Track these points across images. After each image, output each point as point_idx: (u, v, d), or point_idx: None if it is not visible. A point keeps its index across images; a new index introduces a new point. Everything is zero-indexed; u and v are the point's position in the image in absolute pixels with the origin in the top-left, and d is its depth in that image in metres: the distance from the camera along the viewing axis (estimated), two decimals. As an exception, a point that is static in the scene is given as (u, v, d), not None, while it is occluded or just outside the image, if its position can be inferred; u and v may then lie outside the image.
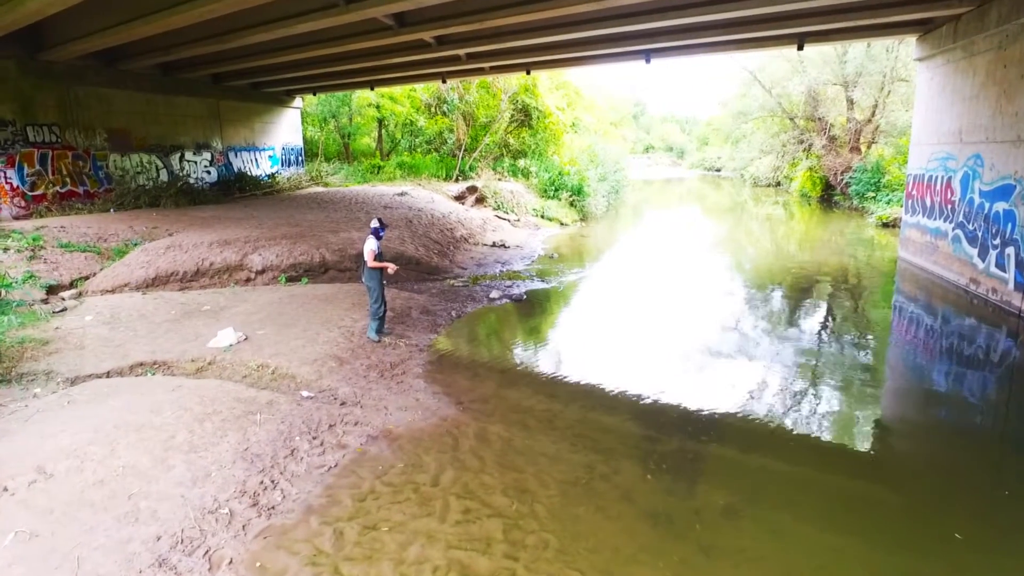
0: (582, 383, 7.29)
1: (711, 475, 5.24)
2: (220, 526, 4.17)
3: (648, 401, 6.78)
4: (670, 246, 19.07)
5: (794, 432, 6.14)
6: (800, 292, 12.24)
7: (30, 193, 15.38)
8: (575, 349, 8.79)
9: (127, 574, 3.62)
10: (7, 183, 14.87)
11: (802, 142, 31.60)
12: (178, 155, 20.01)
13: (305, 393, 6.42)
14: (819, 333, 9.64)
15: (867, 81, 25.92)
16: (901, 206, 19.73)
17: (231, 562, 3.88)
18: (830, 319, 10.44)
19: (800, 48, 14.45)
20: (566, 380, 7.40)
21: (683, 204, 35.80)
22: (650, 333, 9.41)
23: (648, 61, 16.12)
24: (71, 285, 10.47)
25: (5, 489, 4.12)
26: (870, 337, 9.43)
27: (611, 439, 5.80)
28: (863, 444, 6.04)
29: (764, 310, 11.02)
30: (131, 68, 17.00)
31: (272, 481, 4.76)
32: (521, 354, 8.56)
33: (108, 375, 6.52)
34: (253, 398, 5.94)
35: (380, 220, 8.17)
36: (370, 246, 7.98)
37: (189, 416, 5.32)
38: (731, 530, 4.51)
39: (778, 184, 39.17)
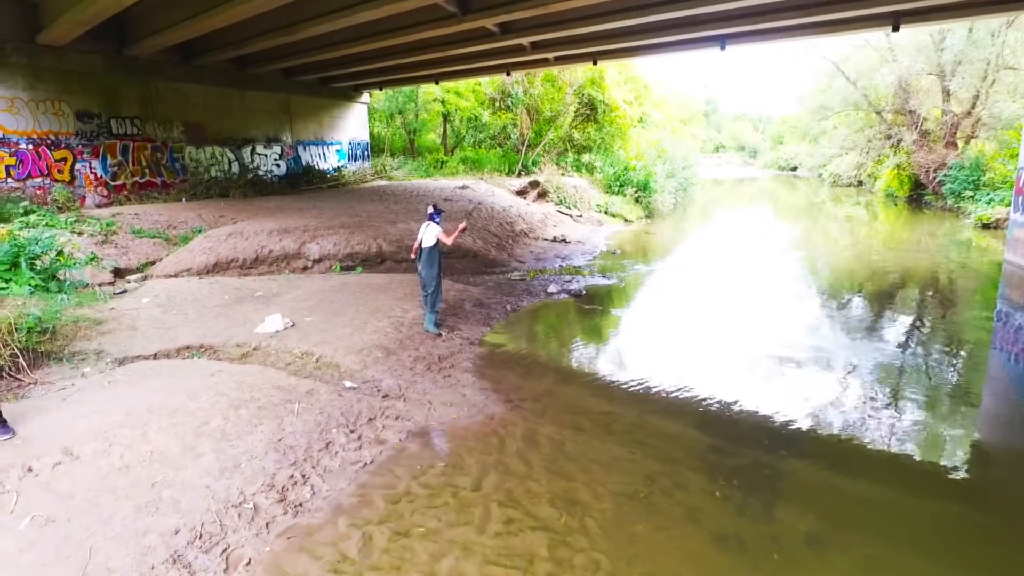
0: (643, 385, 6.67)
1: (790, 496, 4.55)
2: (242, 522, 3.88)
3: (716, 409, 6.10)
4: (740, 246, 17.93)
5: (885, 451, 5.32)
6: (885, 297, 11.08)
7: (112, 183, 16.03)
8: (636, 349, 8.15)
9: (138, 570, 3.36)
10: (92, 173, 15.54)
11: (890, 137, 29.30)
12: (250, 148, 20.52)
13: (347, 383, 6.13)
14: (909, 342, 8.59)
15: (967, 70, 23.70)
16: (1006, 205, 17.87)
17: (249, 563, 3.56)
18: (921, 327, 9.34)
19: (895, 29, 13.15)
20: (626, 381, 6.80)
21: (755, 204, 34.04)
22: (718, 336, 8.63)
23: (723, 48, 15.13)
24: (138, 269, 10.72)
25: (30, 470, 3.97)
26: (969, 347, 8.30)
27: (674, 448, 5.19)
28: (964, 467, 5.15)
29: (844, 316, 10.01)
30: (207, 63, 17.50)
31: (303, 476, 4.44)
32: (578, 352, 8.01)
33: (155, 357, 6.46)
34: (293, 386, 5.68)
35: (435, 206, 7.84)
36: (434, 230, 7.69)
37: (225, 402, 5.10)
38: (815, 562, 3.85)
39: (860, 183, 36.71)
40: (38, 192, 14.14)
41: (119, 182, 16.20)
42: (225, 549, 3.64)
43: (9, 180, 13.75)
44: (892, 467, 5.07)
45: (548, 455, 4.97)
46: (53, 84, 14.56)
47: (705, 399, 6.29)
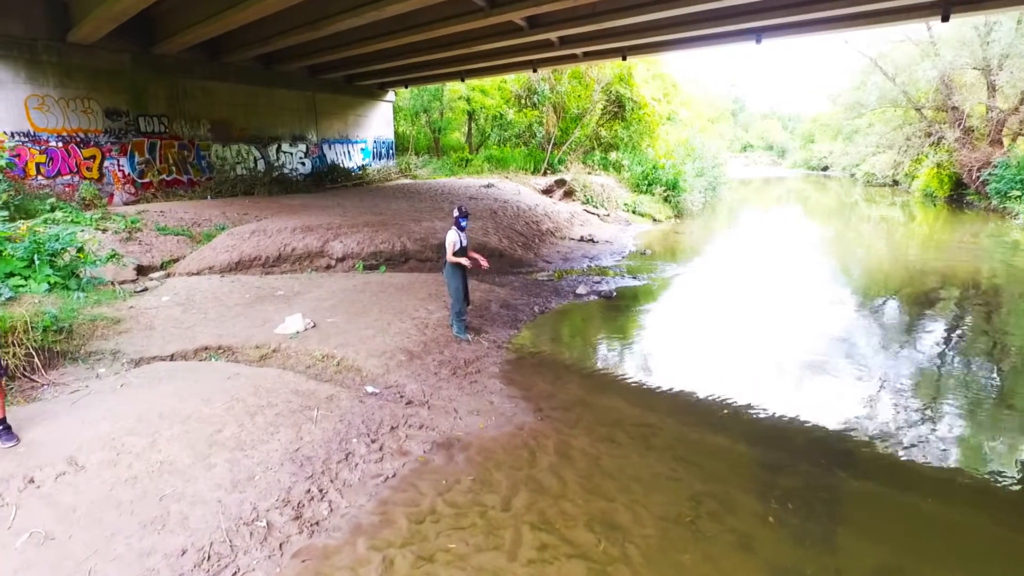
0: (682, 394, 6.25)
1: (854, 521, 4.11)
2: (254, 542, 3.58)
3: (762, 421, 5.66)
4: (774, 247, 17.29)
5: (953, 470, 4.83)
6: (931, 302, 10.42)
7: (139, 180, 16.06)
8: (672, 354, 7.72)
9: (140, 595, 3.08)
10: (120, 171, 15.57)
11: (930, 135, 28.21)
12: (275, 146, 20.47)
13: (369, 388, 5.83)
14: (964, 350, 7.98)
15: (1016, 63, 22.60)
16: (1061, 205, 17.01)
17: (260, 590, 3.27)
18: (972, 332, 8.71)
19: (945, 19, 12.45)
20: (663, 389, 6.39)
21: (786, 204, 33.13)
22: (757, 341, 8.13)
23: (759, 41, 14.55)
24: (161, 266, 10.61)
25: (31, 481, 3.72)
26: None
27: (720, 466, 4.77)
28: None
29: (888, 321, 9.43)
30: (233, 61, 17.46)
31: (320, 490, 4.13)
32: (611, 357, 7.61)
33: (172, 358, 6.23)
34: (312, 391, 5.39)
35: (460, 209, 7.27)
36: (451, 238, 7.16)
37: (241, 408, 4.82)
38: (886, 600, 3.42)
39: (895, 183, 35.49)
40: (67, 189, 14.18)
41: (146, 180, 16.22)
42: (235, 573, 3.35)
43: (39, 177, 13.81)
44: (963, 489, 4.59)
45: (583, 471, 4.60)
46: (83, 82, 14.60)
47: (749, 410, 5.86)
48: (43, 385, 5.46)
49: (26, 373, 5.55)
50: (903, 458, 5.02)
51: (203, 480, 3.97)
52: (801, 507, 4.24)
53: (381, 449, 4.75)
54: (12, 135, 13.38)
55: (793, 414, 5.78)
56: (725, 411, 5.85)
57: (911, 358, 7.42)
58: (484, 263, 7.36)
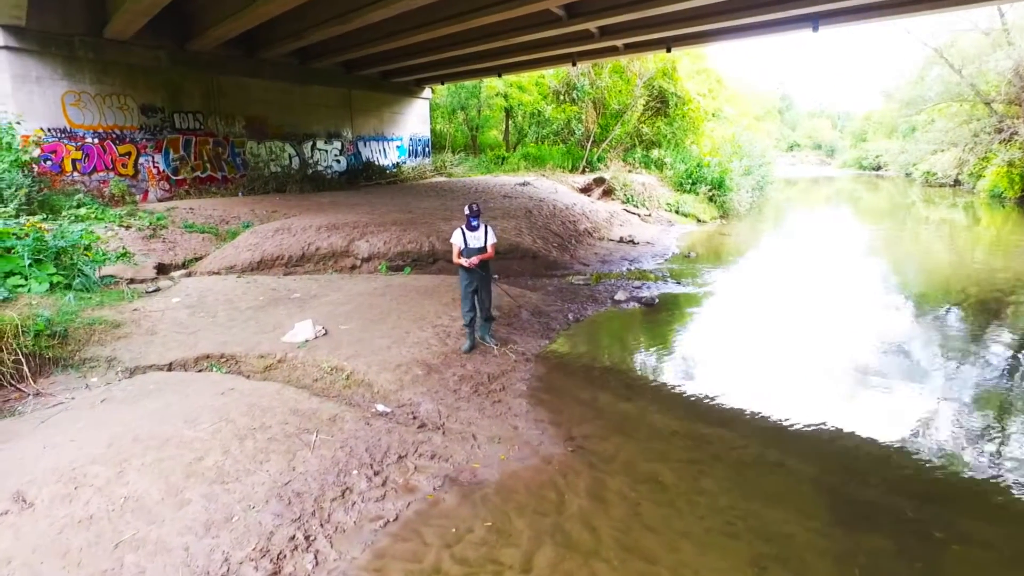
0: (736, 422, 5.40)
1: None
2: (218, 607, 2.98)
3: (833, 460, 4.76)
4: (826, 250, 16.01)
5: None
6: (1005, 312, 9.22)
7: (173, 177, 15.97)
8: (723, 374, 6.80)
9: None
10: (155, 167, 15.50)
11: (1000, 131, 26.21)
12: (310, 143, 20.26)
13: (380, 407, 5.19)
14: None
15: (1101, 53, 20.76)
16: None
17: (214, 676, 2.65)
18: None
19: (1033, -1, 11.21)
20: (714, 417, 5.54)
21: (838, 205, 31.35)
22: (814, 357, 7.17)
23: (816, 29, 13.44)
24: (183, 265, 10.28)
25: (-33, 521, 3.21)
26: None
27: (787, 519, 3.93)
28: None
29: (961, 333, 8.31)
30: (268, 57, 17.24)
31: (307, 537, 3.50)
32: (653, 375, 6.76)
33: (170, 367, 5.73)
34: (314, 411, 4.78)
35: (471, 206, 6.48)
36: (453, 238, 6.52)
37: (229, 431, 4.24)
38: None
39: (956, 183, 33.25)
40: (102, 186, 14.11)
41: (180, 177, 16.13)
42: (188, 650, 2.75)
43: (74, 173, 13.76)
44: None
45: (620, 521, 3.84)
46: (119, 79, 14.55)
47: (819, 446, 4.98)
48: (28, 395, 5.02)
49: (12, 381, 5.12)
50: (1017, 510, 4.11)
51: (171, 521, 3.38)
52: (892, 579, 3.41)
53: (384, 484, 4.10)
54: (49, 131, 13.35)
55: (864, 447, 4.90)
56: (786, 446, 5.00)
57: (993, 379, 6.38)
58: (475, 261, 6.48)
